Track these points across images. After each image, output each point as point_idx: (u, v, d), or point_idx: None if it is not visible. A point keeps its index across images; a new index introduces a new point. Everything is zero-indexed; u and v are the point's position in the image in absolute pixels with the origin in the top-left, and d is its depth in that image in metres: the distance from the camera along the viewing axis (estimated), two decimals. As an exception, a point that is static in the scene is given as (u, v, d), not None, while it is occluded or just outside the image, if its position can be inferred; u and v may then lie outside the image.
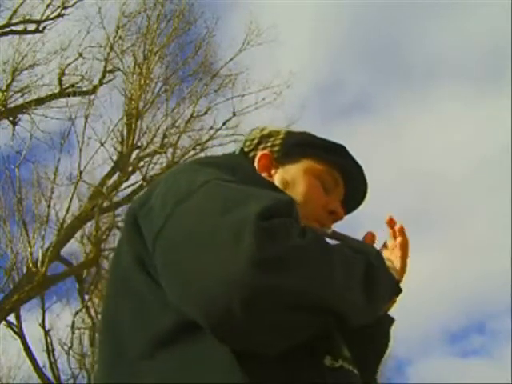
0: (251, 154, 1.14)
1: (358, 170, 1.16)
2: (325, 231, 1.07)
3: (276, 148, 1.13)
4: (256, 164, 1.11)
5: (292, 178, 1.09)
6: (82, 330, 10.71)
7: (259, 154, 1.13)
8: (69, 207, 8.54)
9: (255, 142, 1.16)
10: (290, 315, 0.76)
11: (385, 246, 1.11)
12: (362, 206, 1.21)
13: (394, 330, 1.09)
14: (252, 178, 0.97)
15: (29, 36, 9.96)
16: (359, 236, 1.10)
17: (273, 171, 1.11)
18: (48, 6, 9.96)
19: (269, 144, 1.14)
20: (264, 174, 1.10)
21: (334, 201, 1.11)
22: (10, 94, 9.54)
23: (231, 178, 0.88)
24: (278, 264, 0.74)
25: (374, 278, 0.89)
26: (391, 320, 1.09)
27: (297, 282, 0.75)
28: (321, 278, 0.77)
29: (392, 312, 1.09)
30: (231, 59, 10.64)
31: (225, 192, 0.82)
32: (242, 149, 1.16)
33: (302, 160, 1.11)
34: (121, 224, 10.03)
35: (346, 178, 1.14)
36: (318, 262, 0.78)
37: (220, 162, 0.97)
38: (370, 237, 1.12)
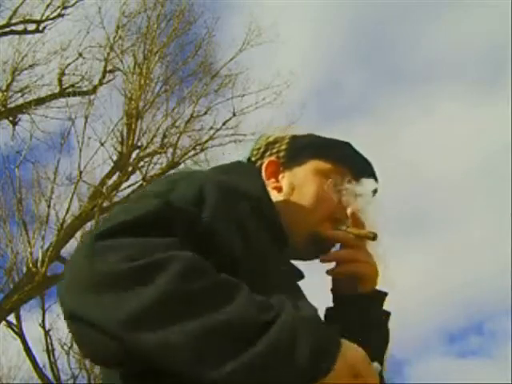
0: (259, 163, 1.14)
1: (366, 165, 1.15)
2: (339, 230, 1.07)
3: (282, 153, 1.13)
4: (263, 172, 1.11)
5: (300, 180, 1.09)
6: (82, 330, 10.68)
7: (266, 161, 1.13)
8: (69, 207, 8.56)
9: (261, 150, 1.15)
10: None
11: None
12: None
13: (391, 327, 1.08)
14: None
15: (29, 36, 9.97)
16: None
17: (280, 176, 1.11)
18: (48, 6, 9.96)
19: (275, 150, 1.14)
20: (271, 181, 1.10)
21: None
22: (10, 94, 9.55)
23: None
24: (87, 292, 0.69)
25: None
26: (384, 315, 1.08)
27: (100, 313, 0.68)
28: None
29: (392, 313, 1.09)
30: (231, 59, 10.65)
31: None
32: (249, 158, 1.16)
33: (309, 161, 1.11)
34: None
35: (355, 175, 1.12)
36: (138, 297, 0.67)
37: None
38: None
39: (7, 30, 9.85)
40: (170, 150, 9.85)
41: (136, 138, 9.51)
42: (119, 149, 9.50)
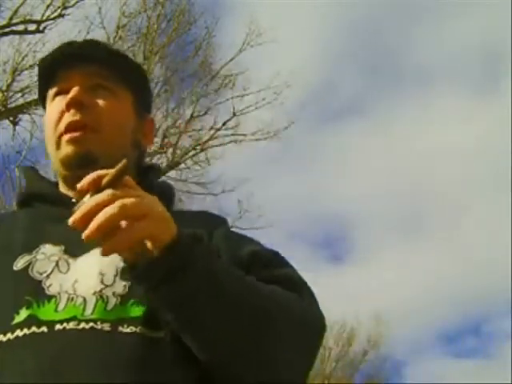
0: None
1: (62, 52, 0.99)
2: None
3: None
4: None
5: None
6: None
7: None
8: (69, 207, 8.55)
9: None
10: None
11: None
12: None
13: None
14: None
15: (29, 36, 9.98)
16: None
17: None
18: (48, 6, 9.97)
19: None
20: None
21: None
22: (10, 94, 9.56)
23: None
24: None
25: None
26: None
27: None
28: None
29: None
30: (231, 59, 10.67)
31: None
32: None
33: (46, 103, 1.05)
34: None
35: (67, 64, 0.98)
36: None
37: None
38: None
39: (8, 30, 9.86)
40: (170, 150, 9.87)
41: (136, 138, 9.51)
42: (119, 149, 9.50)
